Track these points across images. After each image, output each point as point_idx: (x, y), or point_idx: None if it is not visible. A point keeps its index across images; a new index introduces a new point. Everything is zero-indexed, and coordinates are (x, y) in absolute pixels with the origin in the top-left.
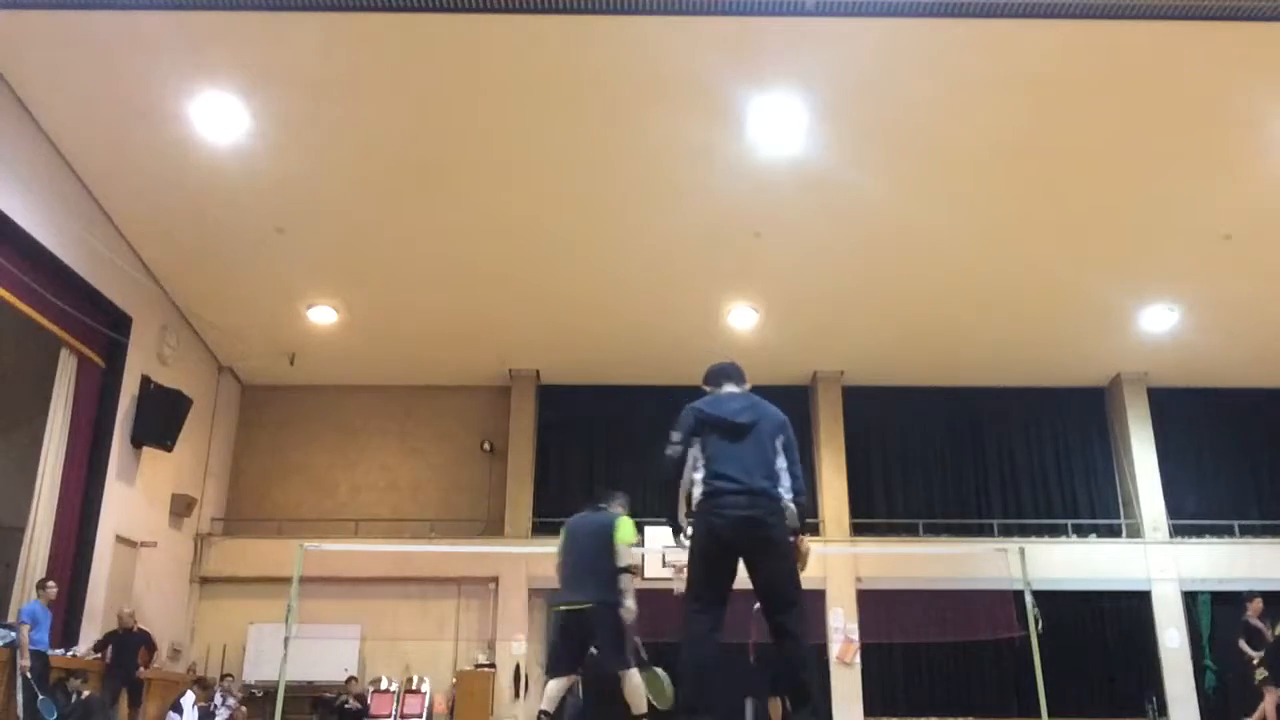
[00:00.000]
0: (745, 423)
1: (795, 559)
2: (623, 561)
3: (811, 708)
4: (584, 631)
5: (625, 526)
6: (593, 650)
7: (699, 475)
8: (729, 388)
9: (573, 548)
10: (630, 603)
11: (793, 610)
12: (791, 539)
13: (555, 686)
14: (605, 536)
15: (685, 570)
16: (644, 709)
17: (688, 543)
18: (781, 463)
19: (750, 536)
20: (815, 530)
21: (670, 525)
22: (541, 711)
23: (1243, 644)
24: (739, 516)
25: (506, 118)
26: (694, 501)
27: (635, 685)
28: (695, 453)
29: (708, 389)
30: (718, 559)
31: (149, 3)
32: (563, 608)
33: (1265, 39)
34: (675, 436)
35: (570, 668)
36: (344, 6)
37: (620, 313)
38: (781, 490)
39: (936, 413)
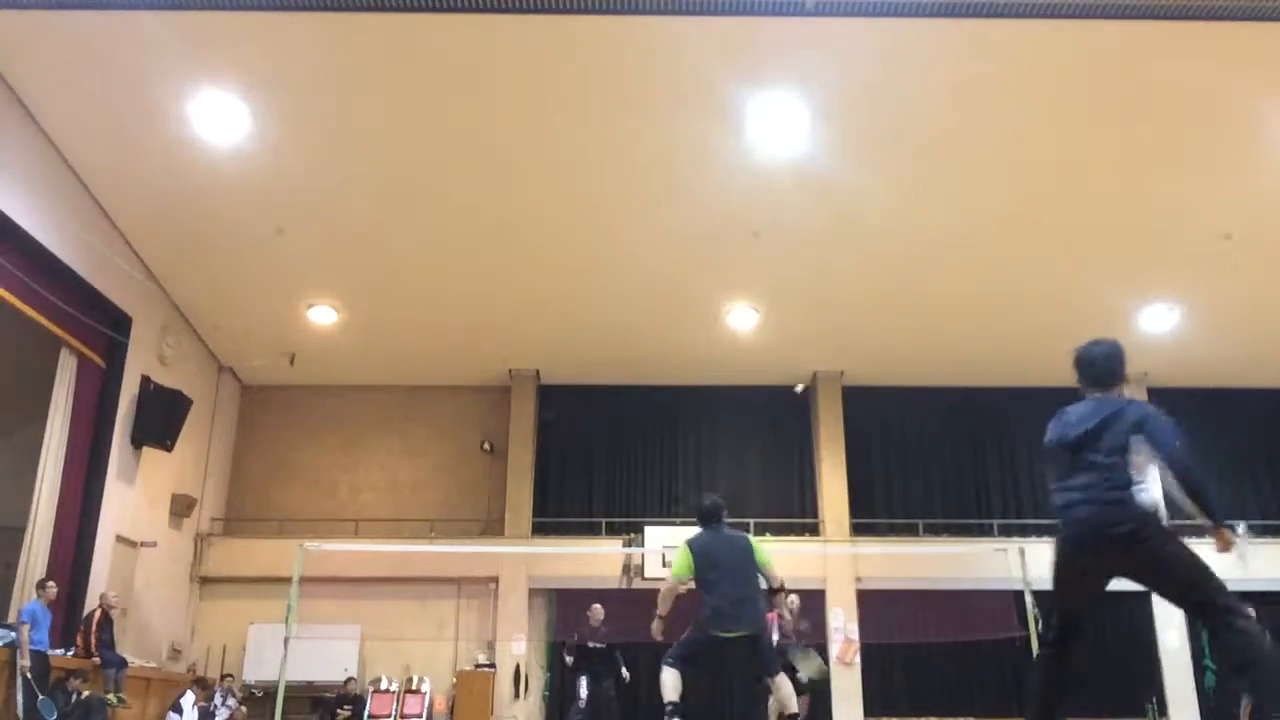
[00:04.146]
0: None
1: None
2: (774, 583)
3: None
4: (737, 651)
5: (761, 548)
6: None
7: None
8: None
9: (721, 577)
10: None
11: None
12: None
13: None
14: (750, 560)
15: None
16: (795, 709)
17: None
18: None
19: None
20: (815, 530)
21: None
22: (670, 703)
23: None
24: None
25: (506, 117)
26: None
27: (789, 691)
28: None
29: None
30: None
31: (149, 3)
32: (722, 634)
33: (1265, 39)
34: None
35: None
36: (344, 6)
37: (620, 313)
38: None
39: (936, 413)
